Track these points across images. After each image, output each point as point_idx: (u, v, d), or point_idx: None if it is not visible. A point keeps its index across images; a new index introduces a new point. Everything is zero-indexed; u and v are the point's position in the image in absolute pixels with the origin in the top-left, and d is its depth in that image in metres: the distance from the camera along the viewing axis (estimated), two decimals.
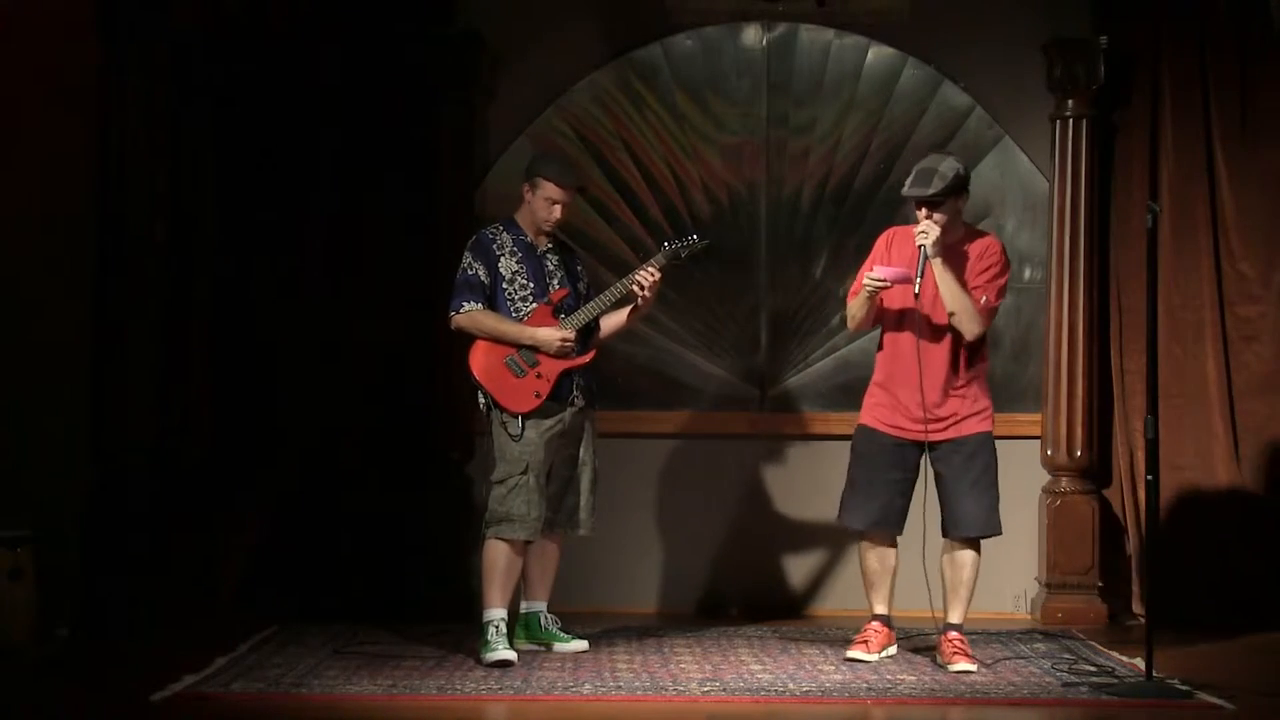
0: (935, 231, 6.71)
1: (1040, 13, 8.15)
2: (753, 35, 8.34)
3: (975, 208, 8.26)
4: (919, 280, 6.67)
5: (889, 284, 6.73)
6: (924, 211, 6.76)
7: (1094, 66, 8.04)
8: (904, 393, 6.86)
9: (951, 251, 6.77)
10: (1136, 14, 8.14)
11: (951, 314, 6.76)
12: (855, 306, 6.90)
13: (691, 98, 8.32)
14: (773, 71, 8.32)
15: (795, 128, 8.32)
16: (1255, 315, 8.11)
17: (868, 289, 6.76)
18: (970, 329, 6.78)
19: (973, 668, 6.78)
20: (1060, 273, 8.11)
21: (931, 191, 6.71)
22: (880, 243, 7.01)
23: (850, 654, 6.83)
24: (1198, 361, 8.10)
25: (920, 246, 6.70)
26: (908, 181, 6.80)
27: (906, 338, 6.85)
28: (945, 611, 6.95)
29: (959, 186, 6.79)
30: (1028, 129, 8.24)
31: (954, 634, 6.89)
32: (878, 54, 8.30)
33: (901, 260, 6.83)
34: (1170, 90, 8.12)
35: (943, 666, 6.85)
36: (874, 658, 6.82)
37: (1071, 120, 8.10)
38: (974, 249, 6.88)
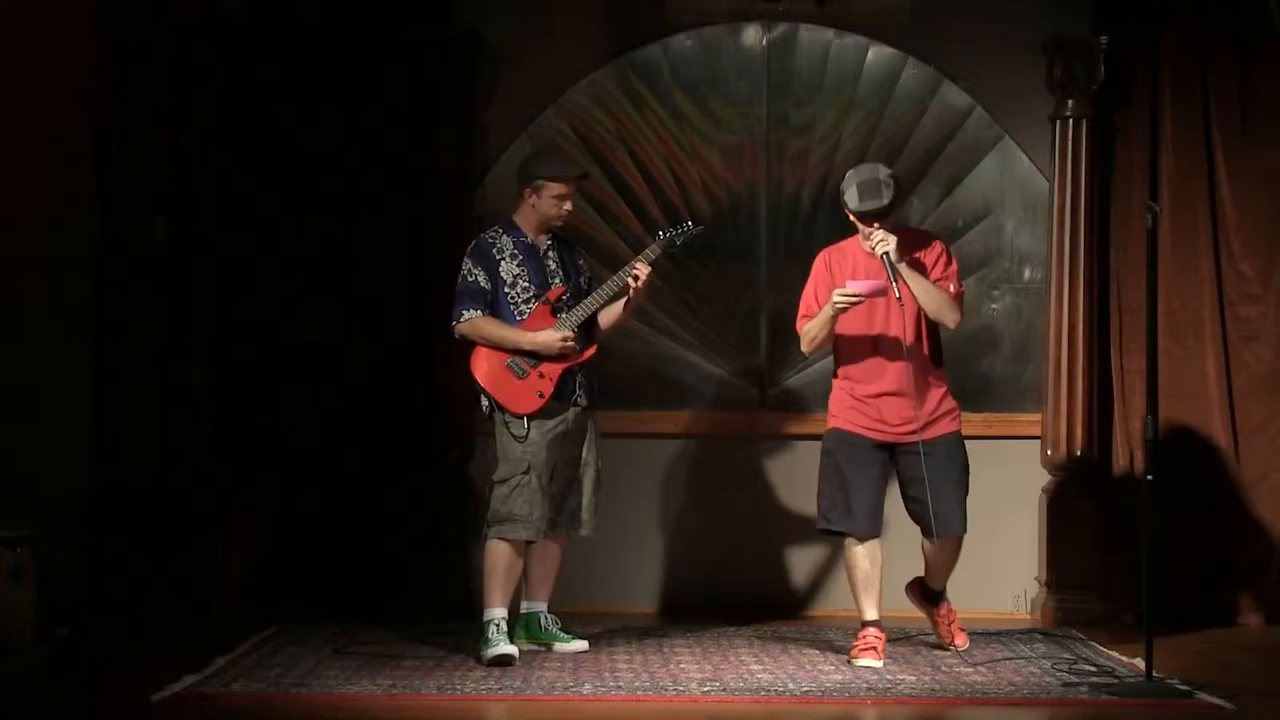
0: (893, 239, 6.78)
1: (1040, 13, 8.15)
2: (753, 35, 8.34)
3: (975, 207, 8.28)
4: (896, 287, 6.72)
5: (863, 298, 6.77)
6: (876, 223, 6.82)
7: (1094, 66, 8.04)
8: (882, 396, 6.89)
9: (904, 253, 6.83)
10: (1136, 14, 8.14)
11: (931, 311, 6.83)
12: (817, 327, 6.90)
13: (691, 98, 8.32)
14: (773, 71, 8.32)
15: (795, 128, 8.32)
16: (1255, 315, 8.12)
17: (840, 305, 6.76)
18: (953, 318, 6.88)
19: (967, 643, 7.11)
20: (1060, 273, 8.11)
21: (886, 203, 6.84)
22: (820, 266, 7.02)
23: (862, 662, 6.81)
24: (1198, 361, 8.11)
25: (883, 255, 6.76)
26: (854, 196, 6.83)
27: (880, 344, 6.89)
28: (931, 581, 7.14)
29: (898, 191, 6.96)
30: (1028, 129, 8.24)
31: (948, 606, 7.16)
32: (878, 54, 8.30)
33: (846, 277, 6.87)
34: (1170, 90, 8.12)
35: (943, 646, 7.12)
36: (881, 664, 6.81)
37: (1071, 120, 8.09)
38: (921, 246, 6.97)
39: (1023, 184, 8.30)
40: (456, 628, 7.40)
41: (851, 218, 6.91)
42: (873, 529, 6.91)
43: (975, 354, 8.21)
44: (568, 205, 7.05)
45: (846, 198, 6.87)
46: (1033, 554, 8.19)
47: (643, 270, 6.95)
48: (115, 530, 7.70)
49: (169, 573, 7.74)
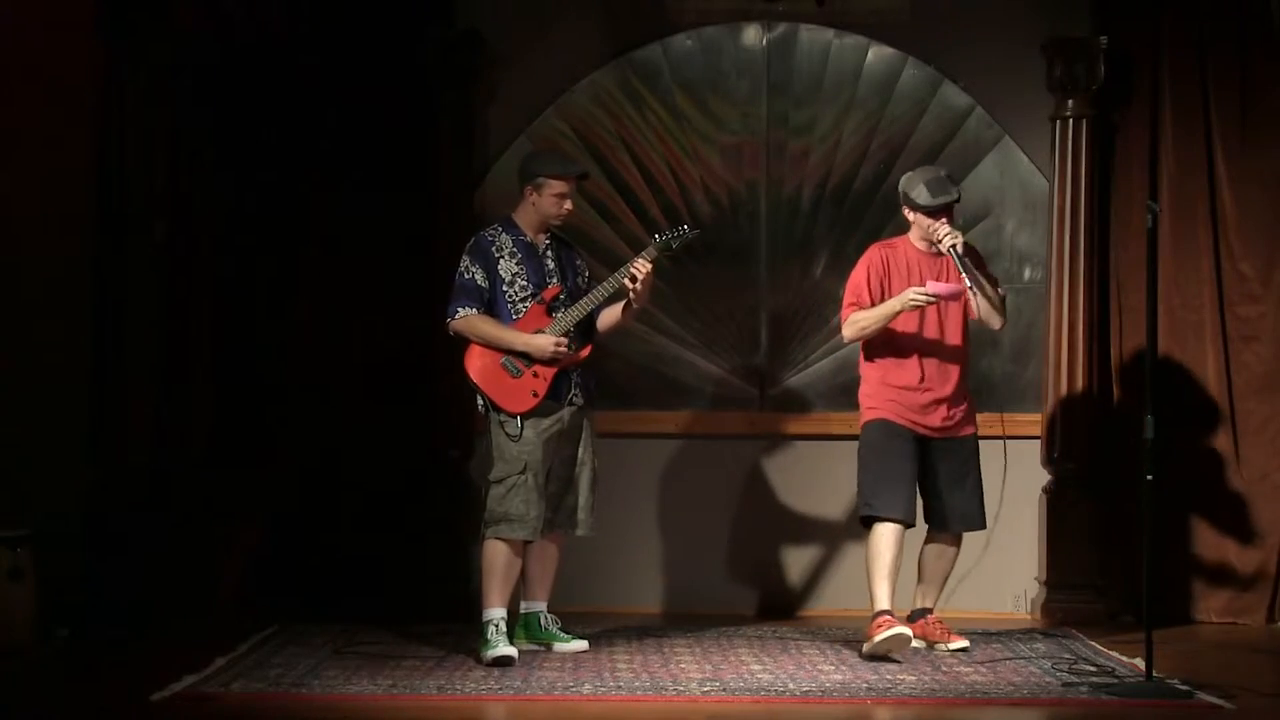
0: (960, 234, 6.98)
1: (1040, 13, 8.15)
2: (753, 35, 8.34)
3: (975, 207, 8.28)
4: (966, 280, 6.91)
5: (939, 300, 6.92)
6: (944, 218, 6.98)
7: (1094, 66, 8.04)
8: (921, 390, 7.02)
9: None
10: (1136, 14, 8.14)
11: (988, 310, 7.02)
12: (873, 320, 7.00)
13: (691, 98, 8.32)
14: (773, 71, 8.32)
15: (795, 128, 8.32)
16: (1255, 315, 8.12)
17: (916, 303, 6.89)
18: (999, 320, 7.11)
19: (968, 642, 7.11)
20: (1060, 273, 8.11)
21: (956, 196, 7.02)
22: (876, 257, 7.12)
23: (887, 633, 6.83)
24: (1198, 361, 8.11)
25: (950, 249, 6.93)
26: (924, 193, 6.98)
27: (924, 338, 7.02)
28: (922, 598, 7.23)
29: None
30: (1028, 129, 8.24)
31: (933, 616, 7.21)
32: (878, 54, 8.30)
33: (901, 275, 7.04)
34: (1170, 90, 8.12)
35: (937, 648, 7.10)
36: (910, 634, 6.92)
37: (1071, 120, 8.09)
38: (973, 252, 7.19)
39: (1023, 184, 8.30)
40: (456, 628, 7.40)
41: (913, 216, 7.04)
42: (911, 519, 7.02)
43: (975, 354, 8.16)
44: (568, 204, 7.05)
45: (914, 195, 7.01)
46: (1033, 554, 8.19)
47: (641, 270, 6.94)
48: (115, 530, 7.69)
49: (169, 573, 7.73)
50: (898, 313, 6.95)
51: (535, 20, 8.24)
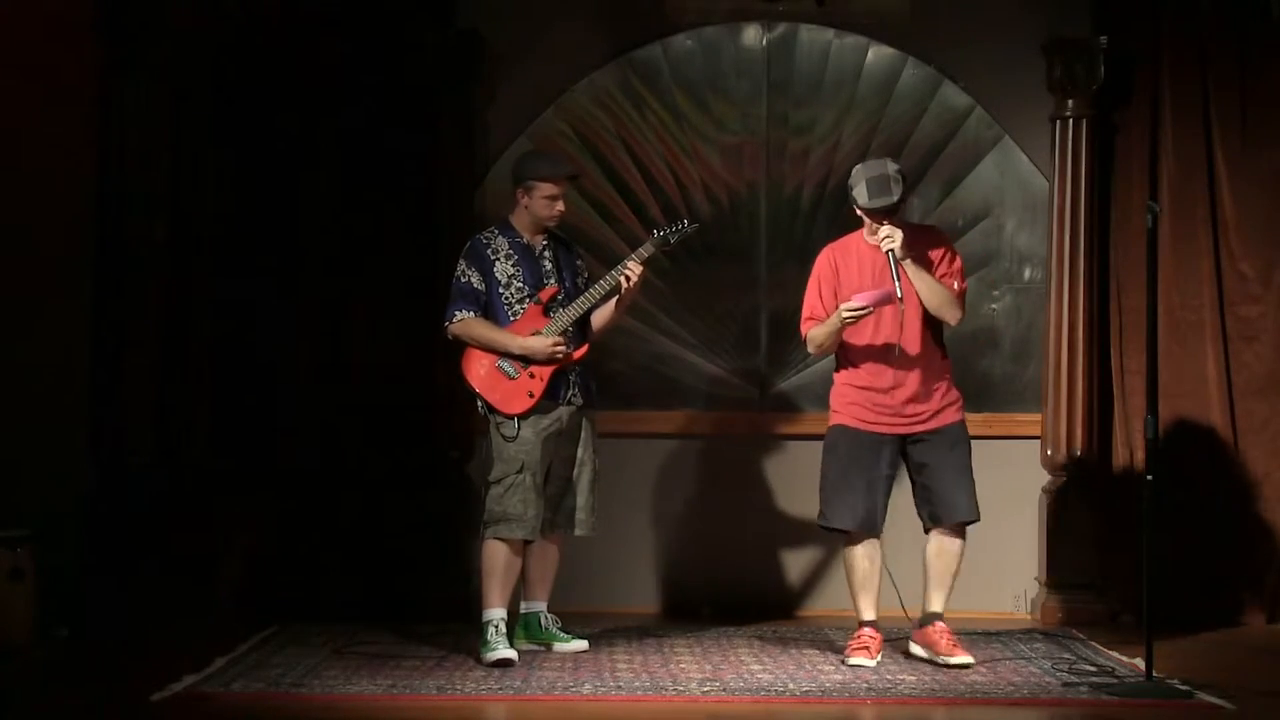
0: (900, 234, 6.77)
1: (1040, 13, 8.15)
2: (753, 35, 8.34)
3: (975, 208, 8.28)
4: (899, 284, 6.72)
5: (870, 310, 6.76)
6: (884, 220, 6.80)
7: (1094, 66, 8.04)
8: (885, 391, 6.88)
9: (910, 249, 6.82)
10: (1136, 14, 8.15)
11: (933, 307, 6.83)
12: (824, 334, 6.88)
13: (691, 98, 8.32)
14: (773, 71, 8.32)
15: (795, 128, 8.32)
16: (1255, 315, 8.12)
17: (848, 320, 6.76)
18: (954, 316, 6.88)
19: (973, 660, 6.86)
20: (1060, 273, 8.11)
21: (896, 199, 6.81)
22: (824, 265, 6.99)
23: (852, 660, 6.82)
24: (1198, 361, 8.11)
25: (889, 252, 6.75)
26: (864, 193, 6.79)
27: (885, 338, 6.86)
28: (929, 601, 7.00)
29: (907, 185, 6.92)
30: (1028, 129, 8.24)
31: (942, 624, 6.95)
32: (878, 54, 8.30)
33: (851, 274, 6.89)
34: (1170, 90, 8.12)
35: (938, 660, 6.91)
36: (874, 663, 6.81)
37: (1071, 120, 8.10)
38: (928, 242, 6.96)
39: (1023, 184, 8.30)
40: (456, 628, 7.41)
41: (858, 211, 6.90)
42: (871, 529, 6.90)
43: (975, 354, 8.22)
44: (559, 206, 7.04)
45: (855, 194, 6.84)
46: (1033, 554, 8.19)
47: (634, 269, 6.95)
48: (115, 530, 7.70)
49: (169, 573, 7.74)
50: (839, 329, 6.83)
51: (535, 20, 8.24)
